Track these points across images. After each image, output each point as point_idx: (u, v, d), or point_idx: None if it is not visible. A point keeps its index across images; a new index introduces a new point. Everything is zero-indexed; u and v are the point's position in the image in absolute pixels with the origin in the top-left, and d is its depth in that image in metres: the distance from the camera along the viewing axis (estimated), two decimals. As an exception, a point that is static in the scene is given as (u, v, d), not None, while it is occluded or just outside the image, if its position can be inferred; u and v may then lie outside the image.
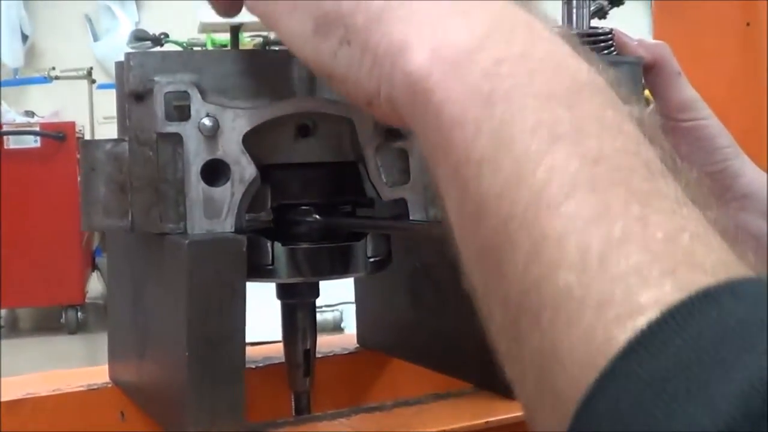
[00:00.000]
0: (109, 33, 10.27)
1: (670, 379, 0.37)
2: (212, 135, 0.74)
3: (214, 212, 0.75)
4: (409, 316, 0.97)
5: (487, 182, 0.46)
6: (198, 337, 0.72)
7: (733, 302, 0.39)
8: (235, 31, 5.98)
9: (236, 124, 0.75)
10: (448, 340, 0.91)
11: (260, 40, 6.87)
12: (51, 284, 6.85)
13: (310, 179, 0.81)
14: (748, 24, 1.09)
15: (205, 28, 6.34)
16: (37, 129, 6.88)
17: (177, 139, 0.74)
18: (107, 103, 9.74)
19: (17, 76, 10.00)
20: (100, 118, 9.22)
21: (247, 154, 0.75)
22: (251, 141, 0.75)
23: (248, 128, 0.75)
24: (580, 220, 0.43)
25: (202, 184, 0.74)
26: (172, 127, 0.74)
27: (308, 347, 0.87)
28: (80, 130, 7.54)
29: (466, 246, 0.51)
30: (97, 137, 8.63)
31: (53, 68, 9.03)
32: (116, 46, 9.65)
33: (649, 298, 0.40)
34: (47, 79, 9.01)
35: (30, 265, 6.71)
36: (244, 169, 0.75)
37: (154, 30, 7.54)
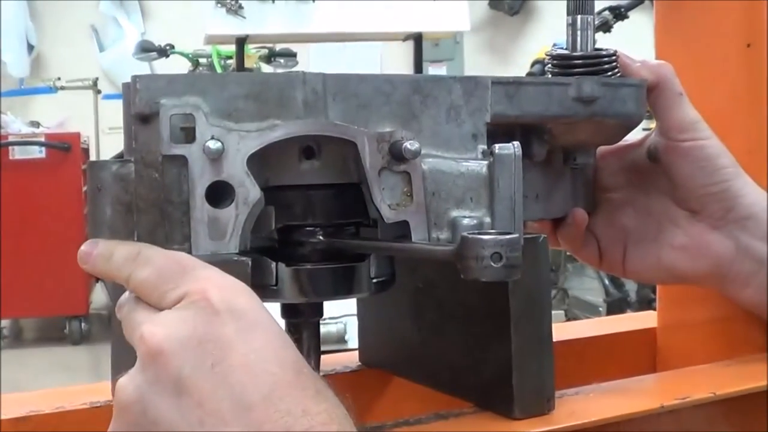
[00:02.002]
0: (115, 43, 10.28)
1: None
2: (217, 157, 0.74)
3: (218, 233, 0.75)
4: (411, 336, 0.97)
5: None
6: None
7: None
8: (241, 42, 5.99)
9: (241, 146, 0.75)
10: (449, 360, 0.92)
11: (265, 51, 6.88)
12: (55, 295, 6.87)
13: (314, 201, 0.82)
14: (748, 45, 1.09)
15: (211, 39, 6.33)
16: (43, 139, 6.89)
17: (182, 161, 0.74)
18: (113, 113, 9.75)
19: (23, 86, 10.02)
20: (105, 128, 9.24)
21: (252, 176, 0.75)
22: (256, 163, 0.76)
23: (253, 150, 0.75)
24: None
25: (207, 206, 0.75)
26: (178, 150, 0.74)
27: (312, 366, 0.88)
28: (85, 141, 7.56)
29: None
30: (102, 147, 8.66)
31: (59, 78, 9.05)
32: (122, 56, 9.67)
33: None
34: (53, 89, 9.03)
35: (34, 276, 6.72)
36: (249, 191, 0.75)
37: (159, 41, 7.55)
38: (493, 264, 0.69)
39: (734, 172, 1.00)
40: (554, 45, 4.16)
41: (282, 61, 6.84)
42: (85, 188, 7.08)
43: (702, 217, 1.01)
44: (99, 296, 7.86)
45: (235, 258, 0.75)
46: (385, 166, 0.79)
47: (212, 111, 0.75)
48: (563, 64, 0.96)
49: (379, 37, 6.92)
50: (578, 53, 0.96)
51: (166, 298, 0.69)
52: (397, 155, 0.78)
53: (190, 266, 0.70)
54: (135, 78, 0.75)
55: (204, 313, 0.66)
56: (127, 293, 0.75)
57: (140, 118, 0.75)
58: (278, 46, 6.71)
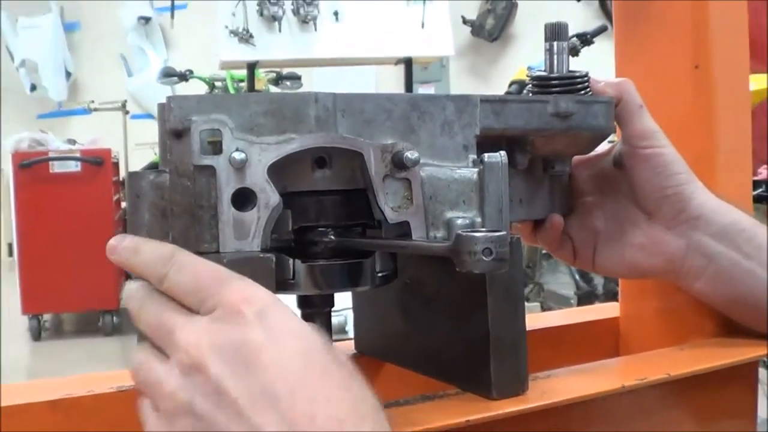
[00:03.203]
0: (142, 70, 10.30)
1: None
2: (241, 167, 0.74)
3: (243, 234, 0.75)
4: (400, 327, 0.97)
5: None
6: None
7: None
8: (251, 67, 5.99)
9: (262, 157, 0.75)
10: (434, 348, 0.91)
11: (273, 75, 6.87)
12: (90, 291, 6.87)
13: (326, 205, 0.82)
14: (696, 66, 1.09)
15: (225, 65, 6.33)
16: (78, 155, 6.89)
17: (211, 170, 0.75)
18: (139, 131, 9.79)
19: (61, 108, 10.03)
20: (132, 145, 9.25)
21: (271, 183, 0.76)
22: (275, 172, 0.76)
23: (272, 161, 0.76)
24: None
25: (233, 210, 0.75)
26: (207, 160, 0.75)
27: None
28: (115, 156, 7.57)
29: None
30: (130, 161, 8.65)
31: (92, 101, 9.07)
32: (148, 81, 9.68)
33: None
34: (87, 111, 9.04)
35: (71, 275, 6.72)
36: (269, 196, 0.76)
37: (180, 67, 7.54)
38: (484, 258, 0.69)
39: (687, 177, 1.00)
40: (529, 68, 4.17)
41: (288, 83, 6.83)
42: (115, 197, 7.10)
43: (658, 219, 1.01)
44: (129, 293, 7.85)
45: (261, 255, 0.75)
46: (388, 173, 0.79)
47: (236, 126, 0.76)
48: (542, 84, 0.97)
49: (374, 61, 6.91)
50: (555, 74, 0.97)
51: (204, 305, 0.69)
52: (398, 164, 0.78)
53: (226, 278, 0.70)
54: (169, 99, 0.76)
55: (238, 322, 0.66)
56: (136, 284, 0.75)
57: (174, 134, 0.76)
58: (285, 70, 6.70)
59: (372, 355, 1.05)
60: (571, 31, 4.54)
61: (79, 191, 6.76)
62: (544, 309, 5.63)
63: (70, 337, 7.31)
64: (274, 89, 7.32)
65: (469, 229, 0.74)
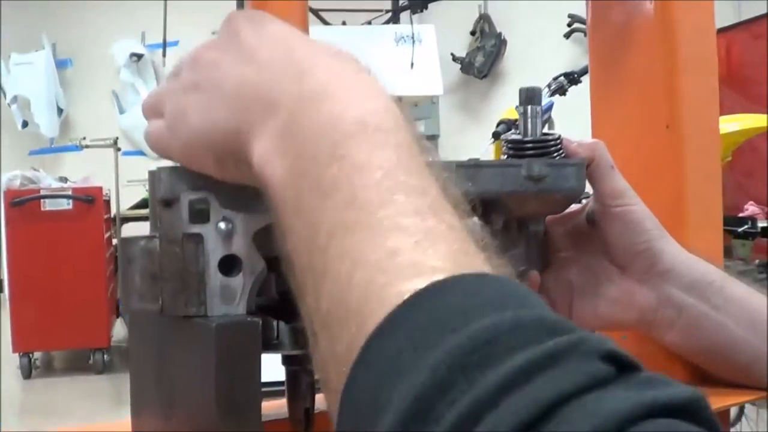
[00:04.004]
0: (133, 107, 10.33)
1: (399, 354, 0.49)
2: (227, 235, 0.78)
3: (229, 298, 0.79)
4: None
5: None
6: (225, 401, 0.76)
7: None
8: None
9: (247, 225, 0.79)
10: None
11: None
12: (81, 329, 6.90)
13: (308, 268, 0.85)
14: (667, 126, 1.13)
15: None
16: (70, 193, 6.94)
17: (199, 238, 0.78)
18: (131, 168, 9.81)
19: (53, 145, 10.06)
20: (124, 182, 9.26)
21: (256, 250, 0.79)
22: (259, 238, 0.80)
23: (257, 228, 0.79)
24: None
25: (220, 275, 0.79)
26: (195, 229, 0.78)
27: (308, 406, 0.91)
28: (107, 194, 7.62)
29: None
30: (122, 197, 8.66)
31: (84, 138, 9.09)
32: (139, 118, 9.67)
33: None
34: (78, 148, 9.07)
35: (62, 313, 6.75)
36: (255, 262, 0.79)
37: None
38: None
39: (657, 233, 1.03)
40: (517, 106, 4.17)
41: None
42: (107, 234, 7.11)
43: (630, 273, 1.04)
44: (119, 330, 7.87)
45: (248, 319, 0.79)
46: (368, 240, 0.83)
47: (223, 196, 0.79)
48: (517, 147, 1.01)
49: (364, 101, 6.98)
50: (529, 138, 1.01)
51: None
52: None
53: None
54: (159, 170, 0.80)
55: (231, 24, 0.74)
56: None
57: (164, 203, 0.79)
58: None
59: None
60: (559, 70, 4.57)
61: (70, 229, 6.80)
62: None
63: (61, 374, 7.33)
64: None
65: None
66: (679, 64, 1.15)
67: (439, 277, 0.51)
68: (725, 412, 1.12)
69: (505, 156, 1.02)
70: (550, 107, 5.13)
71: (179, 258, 0.79)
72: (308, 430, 0.91)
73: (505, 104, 8.01)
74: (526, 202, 0.98)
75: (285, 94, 0.67)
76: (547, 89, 5.38)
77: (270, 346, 0.84)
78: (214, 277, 0.79)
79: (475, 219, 0.85)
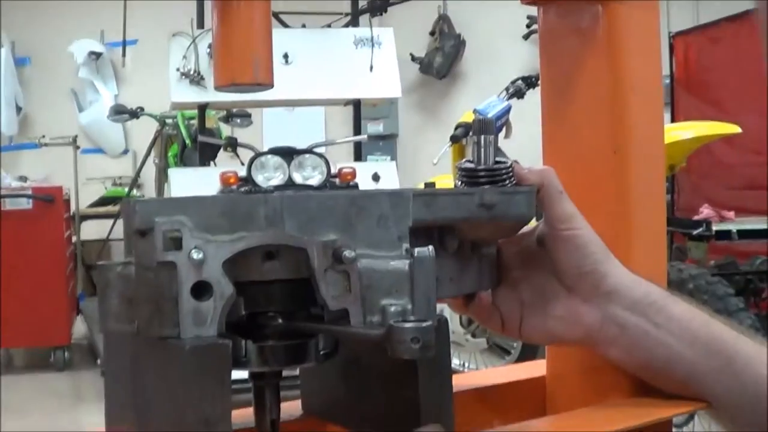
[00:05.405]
0: (92, 105, 10.32)
1: None
2: (199, 263, 0.83)
3: (201, 321, 0.84)
4: (342, 393, 1.06)
5: None
6: (197, 418, 0.82)
7: None
8: (202, 109, 6.06)
9: (218, 253, 0.84)
10: (372, 413, 1.00)
11: (223, 112, 6.94)
12: (41, 327, 6.91)
13: (274, 292, 0.91)
14: (615, 152, 1.18)
15: (176, 106, 6.40)
16: (30, 192, 6.94)
17: (172, 265, 0.83)
18: (90, 165, 9.82)
19: (12, 143, 10.02)
20: (83, 179, 9.27)
21: (226, 276, 0.84)
22: (229, 265, 0.85)
23: (227, 256, 0.84)
24: None
25: (192, 300, 0.83)
26: (169, 256, 0.83)
27: (274, 417, 0.97)
28: (66, 193, 7.62)
29: None
30: (81, 195, 8.65)
31: (43, 136, 9.09)
32: (98, 116, 9.69)
33: None
34: (37, 145, 9.05)
35: (23, 311, 6.77)
36: (224, 287, 0.84)
37: (131, 104, 7.58)
38: (413, 346, 0.80)
39: (602, 256, 1.09)
40: (475, 110, 4.27)
41: (239, 120, 6.92)
42: (66, 233, 7.11)
43: (576, 293, 1.09)
44: (79, 328, 7.88)
45: (219, 341, 0.84)
46: (329, 266, 0.87)
47: (195, 226, 0.84)
48: (470, 175, 1.06)
49: (323, 102, 7.03)
50: (482, 167, 1.06)
51: None
52: (338, 259, 0.87)
53: None
54: (135, 202, 0.84)
55: None
56: None
57: (139, 233, 0.84)
58: (235, 109, 6.78)
59: (317, 416, 1.13)
60: (518, 71, 4.64)
61: (30, 228, 6.81)
62: (489, 345, 5.73)
63: (22, 372, 7.32)
64: (224, 127, 7.39)
65: (399, 319, 0.83)
66: (624, 89, 1.19)
67: None
68: (668, 422, 1.18)
69: (460, 183, 1.07)
70: (507, 110, 5.19)
71: (153, 284, 0.84)
72: (274, 440, 0.96)
73: (464, 104, 8.09)
74: (479, 227, 1.03)
75: None
76: (505, 92, 5.45)
77: (239, 364, 0.90)
78: (187, 302, 0.84)
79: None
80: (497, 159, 1.08)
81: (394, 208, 0.94)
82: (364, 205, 0.92)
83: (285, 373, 0.97)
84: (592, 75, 1.22)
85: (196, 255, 0.83)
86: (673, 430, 1.22)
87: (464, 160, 1.09)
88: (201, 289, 0.84)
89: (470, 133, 1.10)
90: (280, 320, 0.92)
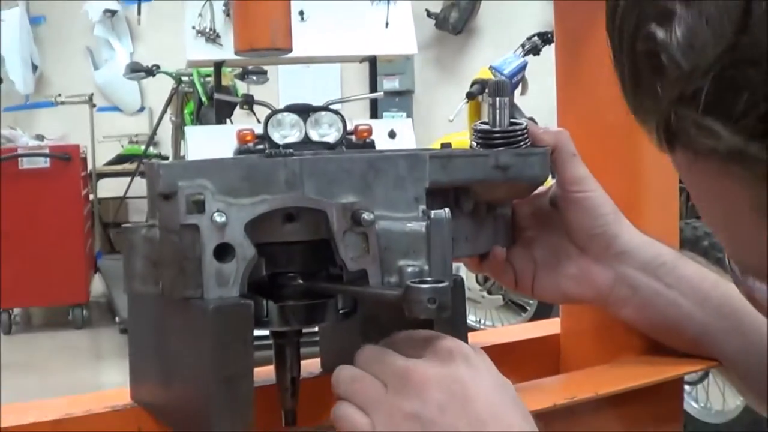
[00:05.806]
0: (108, 63, 10.32)
1: None
2: (221, 225, 0.85)
3: (223, 282, 0.86)
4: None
5: None
6: (220, 375, 0.85)
7: None
8: (218, 67, 6.07)
9: (239, 215, 0.86)
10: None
11: (239, 69, 6.95)
12: (59, 285, 6.95)
13: (294, 254, 0.93)
14: (629, 113, 1.19)
15: (192, 64, 6.42)
16: (47, 151, 6.97)
17: (195, 228, 0.85)
18: (106, 123, 9.83)
19: (28, 102, 10.05)
20: (100, 137, 9.29)
21: (248, 238, 0.86)
22: (251, 227, 0.87)
23: (248, 219, 0.87)
24: None
25: (215, 262, 0.86)
26: (192, 219, 0.85)
27: (295, 375, 0.99)
28: (83, 151, 7.64)
29: None
30: (97, 153, 8.67)
31: (59, 95, 9.11)
32: (114, 74, 9.71)
33: None
34: (53, 104, 9.07)
35: (41, 269, 6.81)
36: (246, 249, 0.86)
37: (147, 61, 7.58)
38: (429, 306, 0.82)
39: (614, 217, 1.10)
40: (491, 67, 4.28)
41: (255, 78, 6.92)
42: (84, 191, 7.15)
43: (588, 253, 1.11)
44: (97, 286, 7.93)
45: (242, 301, 0.86)
46: (348, 228, 0.89)
47: (217, 190, 0.86)
48: (486, 137, 1.07)
49: (339, 59, 7.03)
50: (497, 128, 1.07)
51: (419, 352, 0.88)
52: (357, 221, 0.89)
53: (435, 335, 0.90)
54: (159, 165, 0.86)
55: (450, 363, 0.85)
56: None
57: (163, 196, 0.86)
58: (250, 65, 6.77)
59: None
60: (534, 27, 4.65)
61: (48, 187, 6.84)
62: (505, 302, 5.76)
63: (41, 330, 7.39)
64: (240, 84, 7.40)
65: (417, 279, 0.85)
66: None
67: None
68: (679, 379, 1.21)
69: (475, 144, 1.09)
70: (523, 67, 5.19)
71: (177, 246, 0.86)
72: (295, 396, 0.99)
73: (480, 61, 8.05)
74: (494, 188, 1.05)
75: None
76: (521, 49, 5.45)
77: (260, 323, 0.92)
78: (210, 264, 0.86)
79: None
80: (512, 120, 1.09)
81: (411, 170, 0.96)
82: (381, 167, 0.94)
83: (305, 331, 1.00)
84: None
85: (218, 218, 0.85)
86: (686, 387, 1.25)
87: (479, 121, 1.10)
88: (223, 251, 0.86)
89: (486, 93, 1.11)
90: (300, 281, 0.94)
